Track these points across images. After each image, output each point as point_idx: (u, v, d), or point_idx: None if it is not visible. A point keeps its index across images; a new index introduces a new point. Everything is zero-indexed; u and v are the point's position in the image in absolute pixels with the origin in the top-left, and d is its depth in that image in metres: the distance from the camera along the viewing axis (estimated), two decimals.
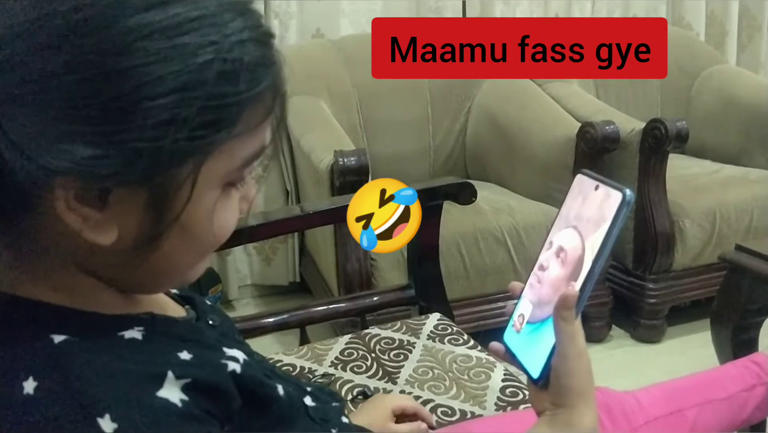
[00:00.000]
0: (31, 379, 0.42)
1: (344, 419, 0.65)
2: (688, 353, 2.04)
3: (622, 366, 2.01)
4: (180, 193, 0.44)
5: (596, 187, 0.57)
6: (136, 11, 0.41)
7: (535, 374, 0.58)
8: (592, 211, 0.56)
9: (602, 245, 0.54)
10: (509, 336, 0.62)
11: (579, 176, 0.60)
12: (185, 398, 0.44)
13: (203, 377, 0.47)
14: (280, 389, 0.54)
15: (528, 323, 0.61)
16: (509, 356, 0.62)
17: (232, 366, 0.50)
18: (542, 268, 0.60)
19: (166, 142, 0.42)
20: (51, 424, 0.41)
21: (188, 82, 0.42)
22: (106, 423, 0.41)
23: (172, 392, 0.44)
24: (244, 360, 0.52)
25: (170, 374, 0.45)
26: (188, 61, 0.42)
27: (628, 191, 0.54)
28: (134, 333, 0.47)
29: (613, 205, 0.54)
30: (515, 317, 0.62)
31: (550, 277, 0.58)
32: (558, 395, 0.57)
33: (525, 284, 0.63)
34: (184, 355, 0.48)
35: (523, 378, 1.08)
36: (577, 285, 0.56)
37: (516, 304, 0.63)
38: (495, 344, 0.63)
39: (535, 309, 0.60)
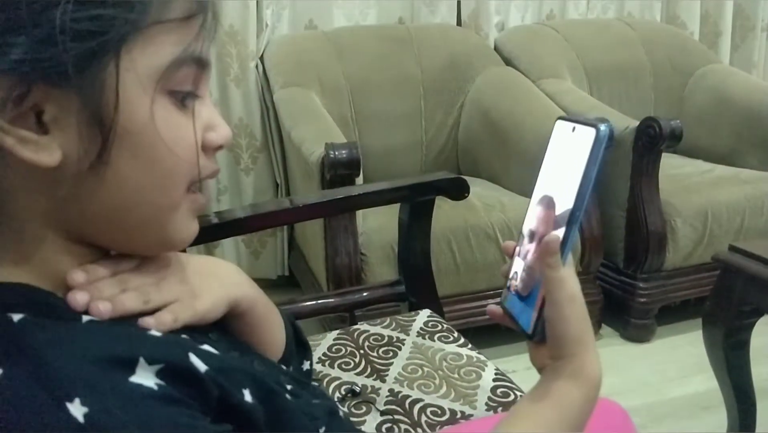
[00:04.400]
0: None
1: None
2: (678, 353, 2.04)
3: (611, 365, 2.00)
4: (106, 94, 0.43)
5: (573, 129, 0.55)
6: None
7: (530, 329, 0.56)
8: (570, 153, 0.55)
9: (581, 185, 0.53)
10: (505, 297, 0.61)
11: (558, 122, 0.58)
12: (161, 382, 0.42)
13: (175, 359, 0.44)
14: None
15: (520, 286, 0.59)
16: (507, 318, 0.60)
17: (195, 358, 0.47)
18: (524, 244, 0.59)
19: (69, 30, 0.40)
20: (19, 410, 0.39)
21: None
22: (76, 408, 0.38)
23: (146, 378, 0.41)
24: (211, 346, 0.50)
25: (142, 360, 0.42)
26: None
27: (602, 126, 0.52)
28: None
29: (588, 142, 0.52)
30: (510, 276, 0.61)
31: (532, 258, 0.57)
32: (555, 346, 0.55)
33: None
34: (154, 330, 0.46)
35: (516, 379, 1.07)
36: (560, 230, 0.54)
37: (511, 263, 0.61)
38: (492, 307, 0.61)
39: (525, 273, 0.59)
